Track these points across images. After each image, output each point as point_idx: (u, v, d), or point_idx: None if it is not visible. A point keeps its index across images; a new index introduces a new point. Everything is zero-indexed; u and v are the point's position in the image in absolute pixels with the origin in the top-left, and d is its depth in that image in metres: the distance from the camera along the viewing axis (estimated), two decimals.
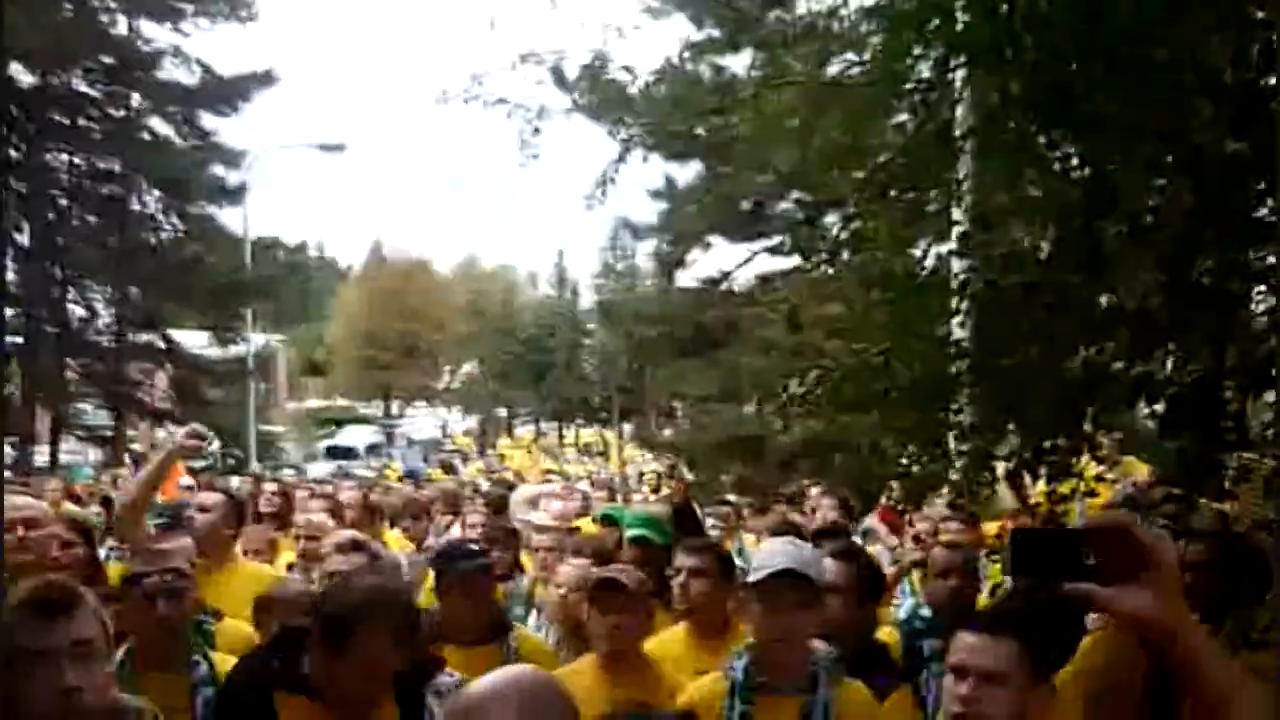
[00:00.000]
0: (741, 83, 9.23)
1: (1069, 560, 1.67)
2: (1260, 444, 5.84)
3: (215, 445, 35.26)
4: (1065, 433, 5.38)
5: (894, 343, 5.47)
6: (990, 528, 6.90)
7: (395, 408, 77.11)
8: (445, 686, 3.52)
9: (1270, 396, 5.73)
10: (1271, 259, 5.44)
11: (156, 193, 34.71)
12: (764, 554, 4.00)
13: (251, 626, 5.16)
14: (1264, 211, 5.46)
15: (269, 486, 8.47)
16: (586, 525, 11.40)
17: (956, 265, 5.74)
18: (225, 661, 4.29)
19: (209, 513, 6.27)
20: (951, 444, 5.51)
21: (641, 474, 27.94)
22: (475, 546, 5.29)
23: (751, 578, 3.93)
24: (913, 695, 4.30)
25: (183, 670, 4.14)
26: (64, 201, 33.57)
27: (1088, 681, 3.95)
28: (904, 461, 5.88)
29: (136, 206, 34.76)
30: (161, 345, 35.47)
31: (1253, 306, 5.54)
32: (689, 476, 8.36)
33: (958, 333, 5.63)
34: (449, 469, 32.88)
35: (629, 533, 6.42)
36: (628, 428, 58.17)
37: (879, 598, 5.26)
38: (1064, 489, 5.45)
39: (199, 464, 30.45)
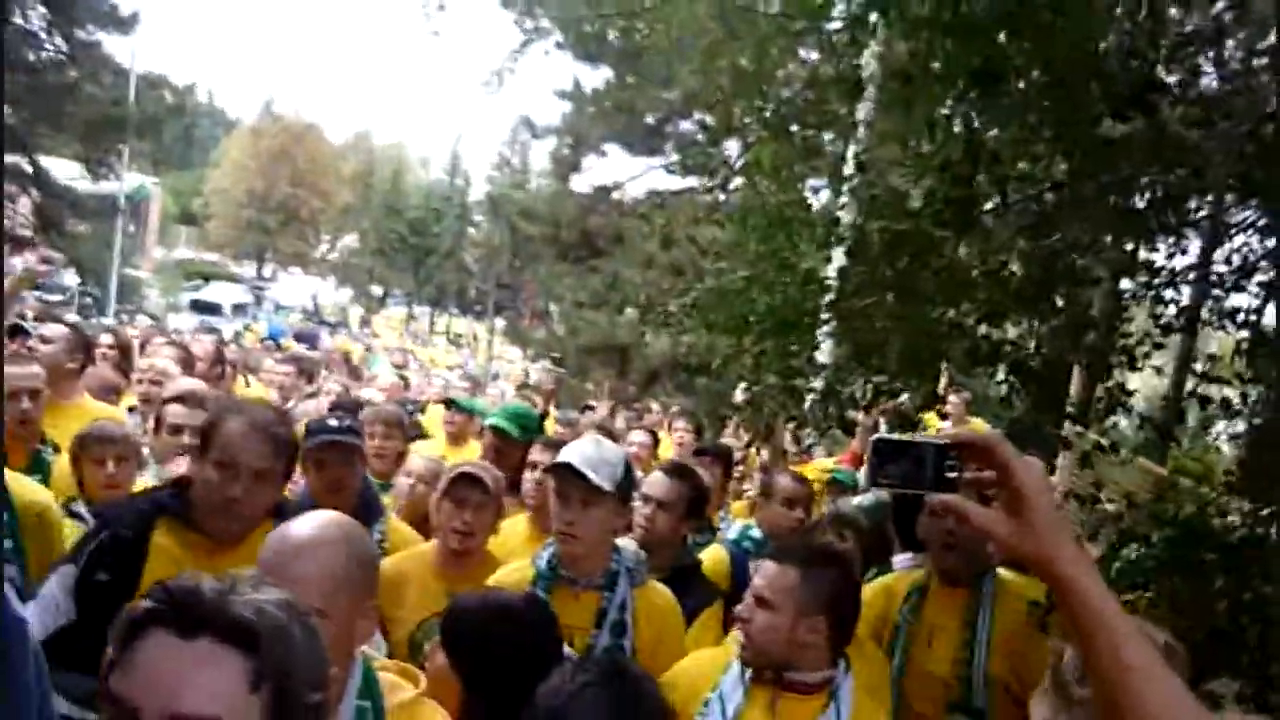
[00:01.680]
0: None
1: (931, 472, 1.66)
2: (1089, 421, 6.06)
3: (74, 281, 34.41)
4: (914, 385, 5.51)
5: (758, 271, 5.52)
6: (826, 464, 7.09)
7: (268, 270, 75.61)
8: None
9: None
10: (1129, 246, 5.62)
11: (41, 9, 33.09)
12: (565, 449, 4.05)
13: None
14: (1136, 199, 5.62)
15: (105, 338, 8.15)
16: (436, 410, 11.42)
17: (835, 205, 5.80)
18: (17, 484, 4.15)
19: (51, 344, 6.10)
20: (801, 379, 5.60)
21: (509, 375, 27.96)
22: (348, 420, 5.16)
23: (544, 467, 4.04)
24: (722, 613, 4.48)
25: None
26: None
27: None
28: (750, 389, 5.97)
29: (19, 20, 33.12)
30: (28, 169, 34.06)
31: (1100, 289, 5.73)
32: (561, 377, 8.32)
33: (826, 271, 5.70)
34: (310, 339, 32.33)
35: (488, 420, 6.43)
36: (500, 323, 58.01)
37: (700, 516, 5.39)
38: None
39: (54, 297, 29.67)
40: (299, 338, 33.57)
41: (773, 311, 5.43)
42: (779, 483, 5.72)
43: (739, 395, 6.82)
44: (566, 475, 3.86)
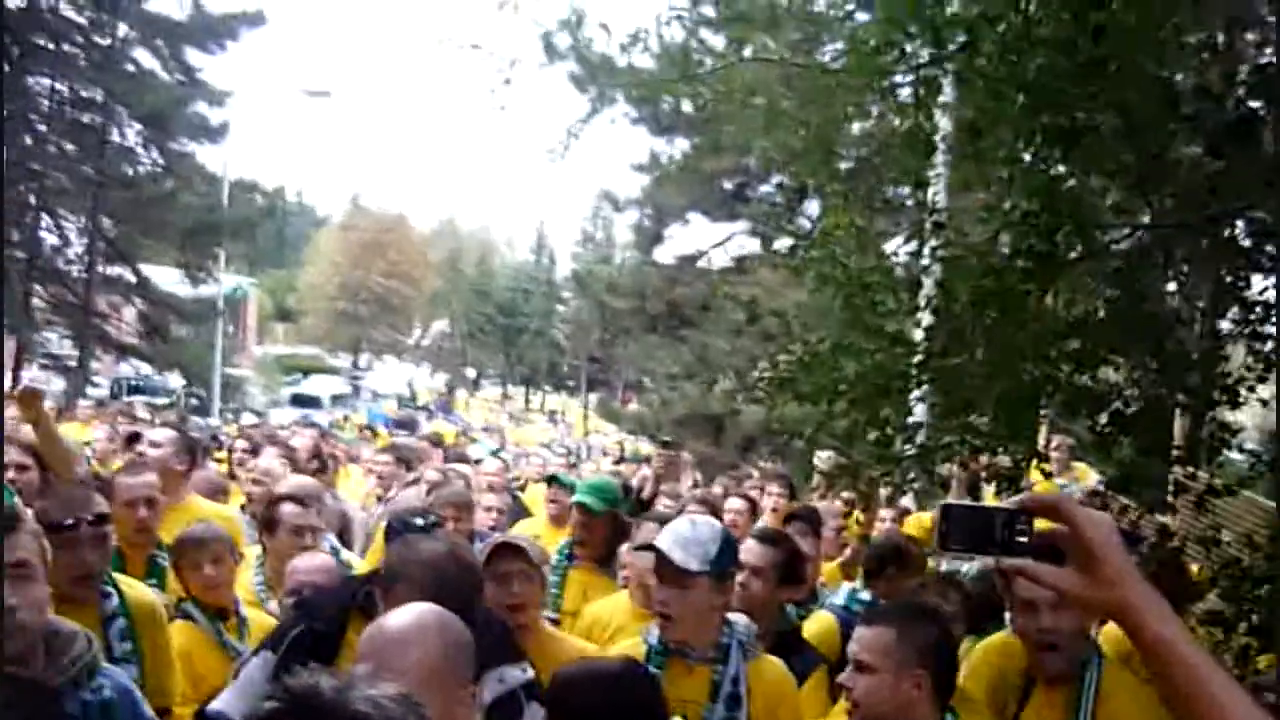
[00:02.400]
0: (717, 57, 9.18)
1: (1000, 536, 1.67)
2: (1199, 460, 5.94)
3: (180, 384, 35.26)
4: (1012, 440, 5.45)
5: (843, 337, 5.51)
6: (926, 520, 6.99)
7: (364, 360, 76.89)
8: (512, 680, 3.47)
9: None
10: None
11: (137, 126, 34.32)
12: (664, 529, 4.08)
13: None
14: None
15: (239, 443, 8.52)
16: (537, 488, 11.49)
17: (917, 264, 5.78)
18: (130, 587, 4.31)
19: (160, 448, 6.31)
20: (897, 443, 5.55)
21: (605, 449, 28.02)
22: (430, 514, 5.24)
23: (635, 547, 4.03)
24: (829, 678, 4.44)
25: (94, 603, 4.14)
26: (43, 127, 33.18)
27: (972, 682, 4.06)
28: (841, 456, 5.94)
29: (116, 138, 34.38)
30: (132, 279, 35.16)
31: (1196, 329, 5.63)
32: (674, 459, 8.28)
33: (913, 332, 5.67)
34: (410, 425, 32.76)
35: (575, 497, 6.49)
36: (594, 397, 58.23)
37: (798, 581, 5.37)
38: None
39: (161, 400, 30.43)
40: (398, 425, 34.00)
41: (862, 378, 5.42)
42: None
43: (820, 462, 6.78)
44: (659, 557, 3.90)
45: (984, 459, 5.79)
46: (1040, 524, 1.65)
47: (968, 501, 1.74)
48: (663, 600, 3.90)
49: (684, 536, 3.91)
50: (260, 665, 3.60)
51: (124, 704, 3.17)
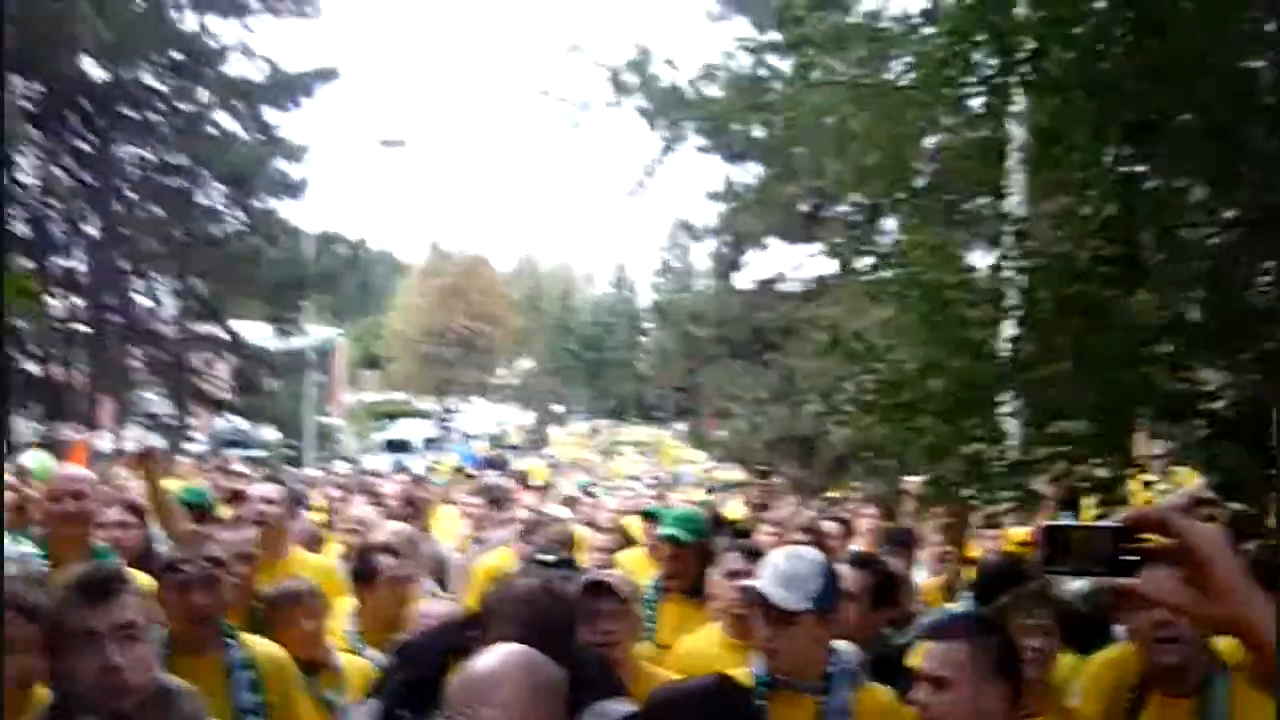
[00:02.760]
0: (785, 82, 9.15)
1: (1105, 555, 1.62)
2: None
3: (274, 436, 35.86)
4: (1107, 450, 5.32)
5: (928, 355, 5.43)
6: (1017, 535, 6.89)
7: (452, 402, 77.63)
8: (613, 714, 3.44)
9: None
10: None
11: (221, 186, 35.14)
12: (764, 563, 4.05)
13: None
14: None
15: (334, 492, 8.68)
16: (632, 522, 11.51)
17: (997, 276, 5.70)
18: (254, 640, 4.40)
19: (274, 505, 6.43)
20: (988, 460, 5.46)
21: (708, 485, 27.93)
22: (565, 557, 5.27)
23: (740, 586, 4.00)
24: None
25: (217, 654, 4.24)
26: (131, 194, 34.10)
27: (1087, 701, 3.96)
28: (929, 475, 5.85)
29: (202, 199, 35.21)
30: (224, 336, 35.93)
31: None
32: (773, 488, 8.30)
33: (998, 346, 5.59)
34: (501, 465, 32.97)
35: (661, 530, 6.49)
36: (682, 426, 58.12)
37: (892, 604, 5.32)
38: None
39: (258, 453, 30.96)
40: (488, 464, 34.24)
41: (948, 394, 5.34)
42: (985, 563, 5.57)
43: (910, 484, 6.70)
44: (758, 597, 3.87)
45: (1079, 470, 5.67)
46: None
47: (1071, 522, 1.70)
48: (767, 638, 3.87)
49: (784, 574, 3.88)
50: (369, 713, 3.70)
51: None
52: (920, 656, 3.35)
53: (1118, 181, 5.25)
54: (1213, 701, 3.64)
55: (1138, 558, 1.59)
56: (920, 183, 6.09)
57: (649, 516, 8.53)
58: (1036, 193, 6.10)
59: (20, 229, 32.19)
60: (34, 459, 14.84)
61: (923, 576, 7.34)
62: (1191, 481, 8.66)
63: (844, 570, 4.85)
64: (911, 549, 6.83)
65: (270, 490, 6.63)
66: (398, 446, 49.98)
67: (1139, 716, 3.81)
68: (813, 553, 4.31)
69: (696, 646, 5.05)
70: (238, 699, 4.14)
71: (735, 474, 25.77)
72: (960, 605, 5.74)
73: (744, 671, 4.05)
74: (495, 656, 2.66)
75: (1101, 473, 5.50)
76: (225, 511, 7.60)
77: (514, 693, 2.56)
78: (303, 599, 4.98)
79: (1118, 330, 4.90)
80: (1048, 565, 1.68)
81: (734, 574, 5.22)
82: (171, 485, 9.89)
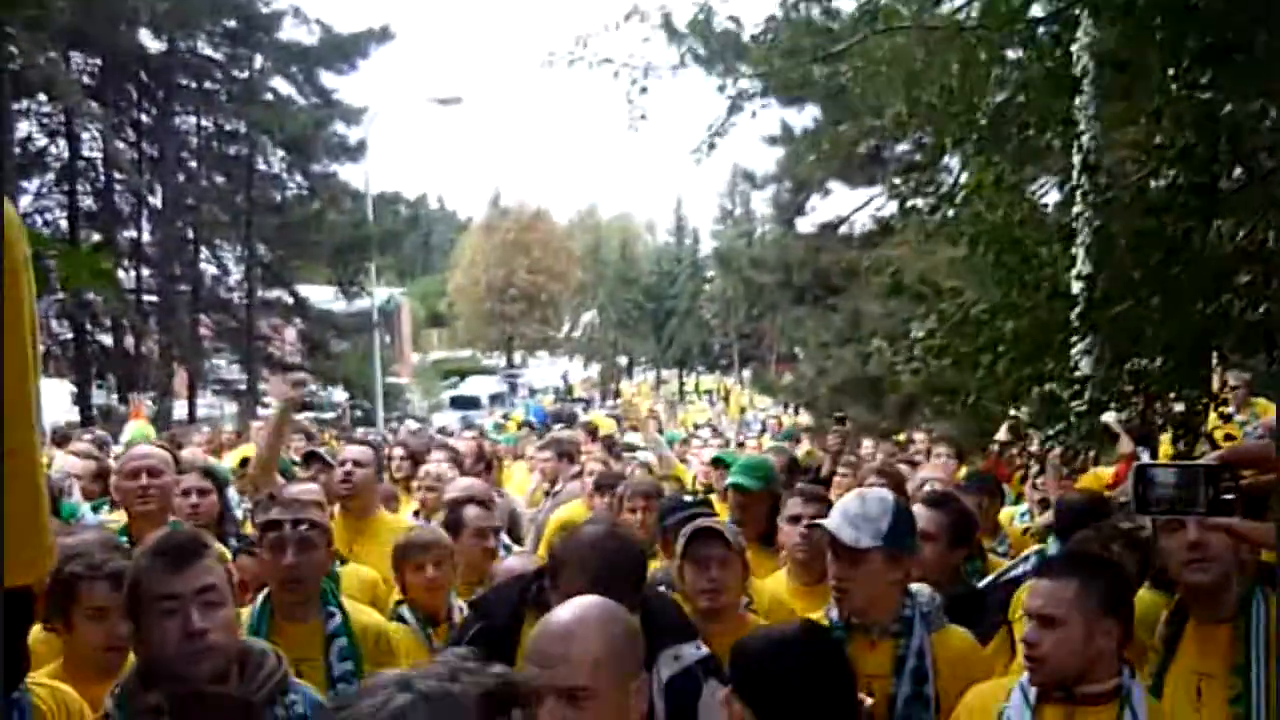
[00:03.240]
0: (847, 27, 8.98)
1: (1203, 494, 1.57)
2: None
3: (343, 397, 36.25)
4: (1186, 385, 5.19)
5: (999, 295, 5.32)
6: (1104, 474, 6.77)
7: (517, 358, 78.02)
8: (689, 657, 3.49)
9: None
10: None
11: (280, 152, 35.43)
12: (837, 503, 4.03)
13: (387, 571, 5.34)
14: None
15: (398, 451, 8.72)
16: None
17: (1068, 212, 5.56)
18: (355, 609, 4.46)
19: (364, 467, 6.46)
20: (1064, 399, 5.34)
21: (764, 424, 27.90)
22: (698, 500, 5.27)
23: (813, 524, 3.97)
24: (1010, 639, 4.37)
25: (318, 620, 4.30)
26: (193, 163, 34.46)
27: None
28: (1012, 421, 5.74)
29: (262, 166, 35.53)
30: (289, 300, 36.33)
31: None
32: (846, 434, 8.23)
33: (1073, 284, 5.45)
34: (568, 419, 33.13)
35: (729, 479, 6.47)
36: (748, 374, 58.07)
37: (970, 543, 5.29)
38: (1196, 450, 5.23)
39: (328, 415, 31.34)
40: (555, 419, 34.35)
41: (1022, 336, 5.23)
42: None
43: (1003, 434, 6.59)
44: (829, 536, 3.85)
45: (1156, 409, 5.56)
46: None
47: (1165, 461, 1.64)
48: (837, 576, 3.85)
49: (852, 513, 3.85)
50: None
51: (315, 719, 3.25)
52: (1028, 594, 3.30)
53: (1192, 108, 5.07)
54: (1253, 624, 3.47)
55: (1234, 496, 1.54)
56: (987, 120, 5.93)
57: (718, 463, 8.51)
58: (1108, 125, 5.92)
59: (87, 203, 32.70)
60: (133, 429, 15.19)
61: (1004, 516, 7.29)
62: (1270, 413, 8.48)
63: (920, 510, 4.81)
64: (994, 490, 6.77)
65: (359, 452, 6.65)
66: (465, 403, 50.35)
67: (1178, 645, 3.66)
68: (883, 493, 4.29)
69: (767, 593, 5.03)
70: (333, 669, 4.21)
71: (804, 419, 25.70)
72: (1046, 546, 5.66)
73: (821, 616, 4.05)
74: (571, 611, 2.67)
75: (1179, 407, 5.38)
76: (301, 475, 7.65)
77: (589, 646, 2.57)
78: (432, 547, 5.03)
79: (1196, 262, 4.75)
80: (1141, 506, 1.62)
81: (795, 518, 5.22)
82: (245, 451, 10.05)
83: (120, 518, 6.12)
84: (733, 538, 4.48)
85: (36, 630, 3.95)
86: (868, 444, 12.81)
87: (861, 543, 3.77)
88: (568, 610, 2.67)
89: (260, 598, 4.37)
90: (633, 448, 12.37)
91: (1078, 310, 5.14)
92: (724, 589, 4.39)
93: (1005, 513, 7.06)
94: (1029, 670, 3.30)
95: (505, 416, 39.38)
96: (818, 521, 3.87)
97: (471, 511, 5.62)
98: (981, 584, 5.31)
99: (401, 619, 4.85)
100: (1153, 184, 5.29)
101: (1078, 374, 5.31)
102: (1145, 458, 6.96)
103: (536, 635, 2.61)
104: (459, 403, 51.23)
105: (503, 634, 3.63)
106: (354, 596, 4.82)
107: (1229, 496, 1.54)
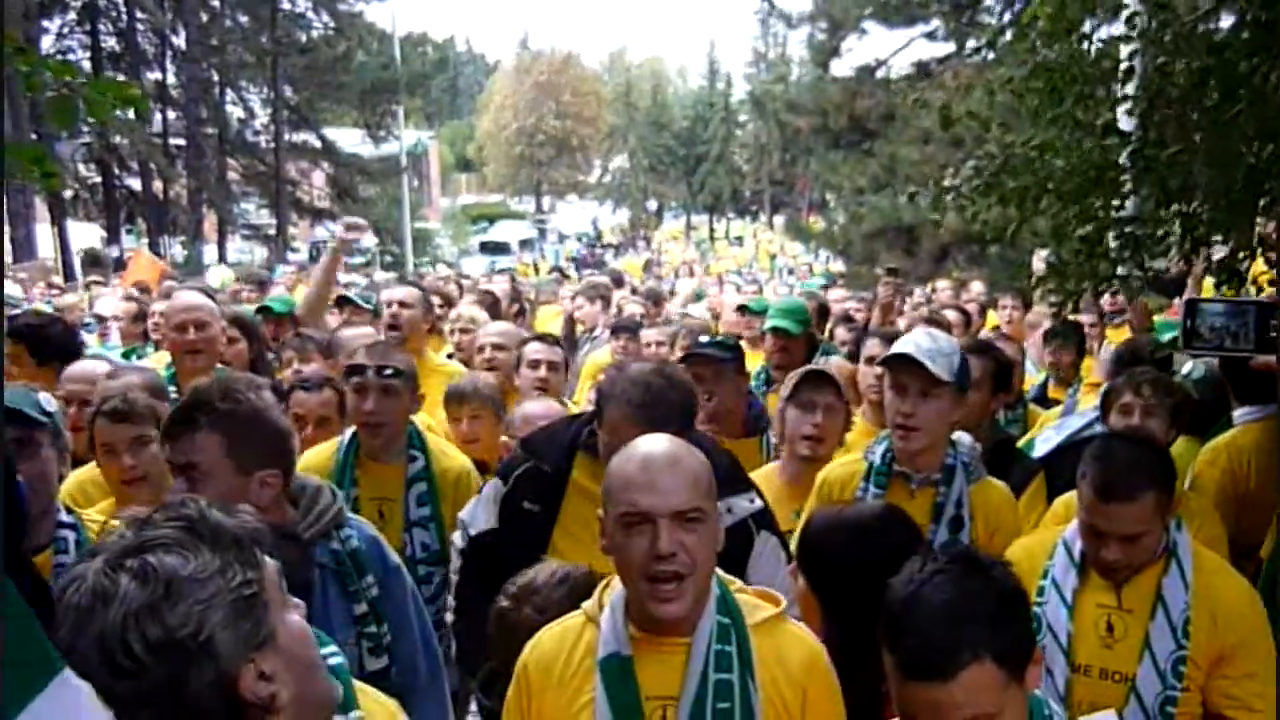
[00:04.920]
0: None
1: (1253, 332, 1.49)
2: None
3: (373, 242, 36.34)
4: (1233, 229, 5.03)
5: (1049, 135, 5.12)
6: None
7: (546, 202, 77.68)
8: (741, 510, 3.49)
9: None
10: None
11: None
12: (901, 341, 3.96)
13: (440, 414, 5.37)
14: None
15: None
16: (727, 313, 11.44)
17: (1124, 50, 5.32)
18: (439, 452, 4.50)
19: (410, 309, 6.39)
20: (1109, 241, 5.20)
21: (792, 270, 27.79)
22: (724, 339, 5.25)
23: (879, 360, 3.90)
24: (1046, 485, 4.43)
25: (400, 463, 4.36)
26: (216, 3, 33.91)
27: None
28: (1051, 257, 5.59)
29: (286, 5, 34.95)
30: (317, 144, 36.13)
31: None
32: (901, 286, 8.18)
33: (1124, 122, 5.24)
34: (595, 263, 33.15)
35: (767, 323, 6.40)
36: (779, 220, 57.68)
37: (1009, 388, 5.29)
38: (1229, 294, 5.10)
39: (358, 260, 31.43)
40: (585, 264, 34.36)
41: (1070, 173, 5.05)
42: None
43: (1038, 264, 6.49)
44: (904, 366, 3.78)
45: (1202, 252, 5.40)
46: None
47: (1214, 297, 1.54)
48: (907, 412, 3.78)
49: (928, 348, 3.79)
50: (492, 490, 3.79)
51: (371, 553, 3.32)
52: (1103, 518, 3.13)
53: None
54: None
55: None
56: None
57: (744, 310, 8.44)
58: None
59: (110, 44, 32.33)
60: (219, 275, 15.28)
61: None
62: None
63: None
64: (1080, 343, 6.78)
65: (404, 293, 6.57)
66: (494, 249, 50.33)
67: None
68: (948, 335, 4.27)
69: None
70: (410, 512, 4.31)
71: (836, 265, 25.55)
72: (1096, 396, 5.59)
73: (858, 458, 4.04)
74: (662, 443, 2.64)
75: (1220, 253, 5.24)
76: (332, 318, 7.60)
77: (699, 471, 2.57)
78: (468, 399, 5.06)
79: (1256, 103, 4.55)
80: (1188, 342, 1.52)
81: (872, 359, 5.20)
82: (276, 295, 10.02)
83: (159, 360, 6.13)
84: (844, 386, 4.51)
85: (91, 469, 4.19)
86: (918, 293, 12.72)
87: (940, 374, 3.71)
88: (658, 443, 2.64)
89: (348, 435, 4.42)
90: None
91: (1130, 149, 4.96)
92: (826, 436, 4.40)
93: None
94: (1108, 573, 3.23)
95: (540, 259, 39.30)
96: (903, 350, 3.77)
97: (533, 347, 5.61)
98: (1047, 448, 5.24)
99: None
100: (1215, 20, 5.05)
101: (1124, 214, 5.15)
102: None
103: (637, 465, 2.56)
104: (488, 248, 51.21)
105: (553, 475, 3.65)
106: None
107: (1276, 335, 1.45)
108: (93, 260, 22.06)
